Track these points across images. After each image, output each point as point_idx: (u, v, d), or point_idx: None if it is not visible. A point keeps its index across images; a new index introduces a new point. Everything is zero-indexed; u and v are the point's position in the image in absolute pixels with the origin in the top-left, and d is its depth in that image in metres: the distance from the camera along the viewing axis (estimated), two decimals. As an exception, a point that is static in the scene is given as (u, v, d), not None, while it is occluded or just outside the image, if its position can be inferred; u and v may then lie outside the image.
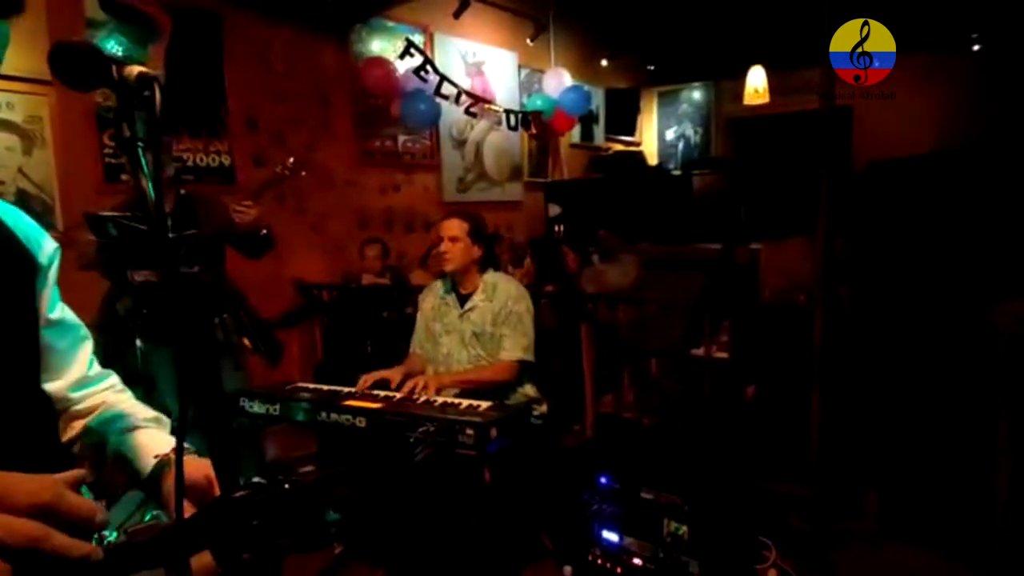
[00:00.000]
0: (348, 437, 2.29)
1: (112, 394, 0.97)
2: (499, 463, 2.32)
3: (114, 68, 0.66)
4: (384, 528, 2.55)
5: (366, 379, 2.45)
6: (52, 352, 0.87)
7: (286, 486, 0.59)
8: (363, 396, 2.34)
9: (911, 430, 2.83)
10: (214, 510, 0.57)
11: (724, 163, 6.83)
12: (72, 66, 0.66)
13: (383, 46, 4.61)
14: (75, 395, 0.91)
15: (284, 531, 0.54)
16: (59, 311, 0.89)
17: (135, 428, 0.91)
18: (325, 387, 2.50)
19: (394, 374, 2.49)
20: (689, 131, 7.34)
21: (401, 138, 4.83)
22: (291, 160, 3.05)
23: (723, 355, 2.98)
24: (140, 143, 0.66)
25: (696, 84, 7.25)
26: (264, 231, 2.78)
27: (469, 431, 1.96)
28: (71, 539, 0.54)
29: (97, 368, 0.96)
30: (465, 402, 2.20)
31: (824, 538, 2.52)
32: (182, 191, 2.68)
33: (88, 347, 0.95)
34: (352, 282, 4.03)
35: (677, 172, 6.91)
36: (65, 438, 0.90)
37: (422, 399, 2.26)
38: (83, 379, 0.93)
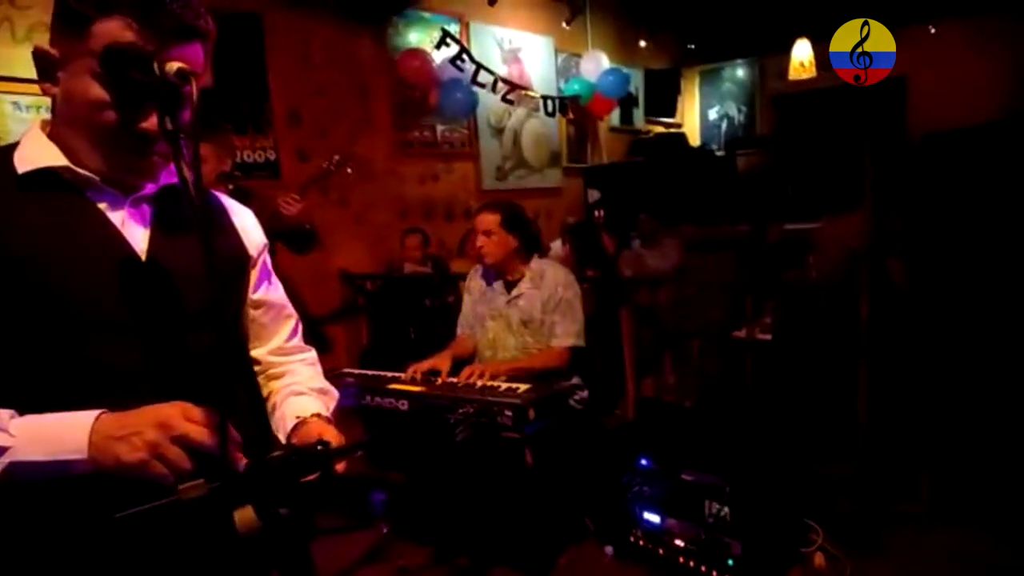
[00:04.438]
0: (392, 421, 2.37)
1: (301, 365, 1.11)
2: (541, 445, 2.36)
3: (156, 65, 0.71)
4: (430, 508, 2.62)
5: (416, 368, 2.45)
6: (256, 324, 1.05)
7: (319, 447, 0.63)
8: (406, 380, 2.40)
9: (965, 411, 2.72)
10: (256, 469, 0.62)
11: (769, 141, 6.64)
12: (121, 65, 0.72)
13: (420, 37, 4.66)
14: (273, 360, 1.08)
15: (317, 490, 0.59)
16: (263, 292, 1.05)
17: (298, 393, 1.04)
18: (370, 372, 2.58)
19: (443, 362, 2.47)
20: (732, 110, 7.14)
21: (439, 128, 4.88)
22: (336, 157, 3.15)
23: (766, 336, 2.92)
24: (182, 134, 0.71)
25: (739, 61, 7.04)
26: (308, 226, 2.87)
27: (508, 412, 2.00)
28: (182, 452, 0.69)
29: (296, 342, 1.12)
30: (504, 384, 2.23)
31: (873, 520, 2.46)
32: (230, 186, 2.79)
33: (289, 324, 1.11)
34: (395, 271, 4.12)
35: (720, 153, 6.75)
36: (262, 396, 1.07)
37: (467, 384, 2.28)
38: (280, 348, 1.09)
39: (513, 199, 5.31)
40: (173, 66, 0.71)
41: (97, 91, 0.75)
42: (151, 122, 0.77)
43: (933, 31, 5.10)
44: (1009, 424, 2.64)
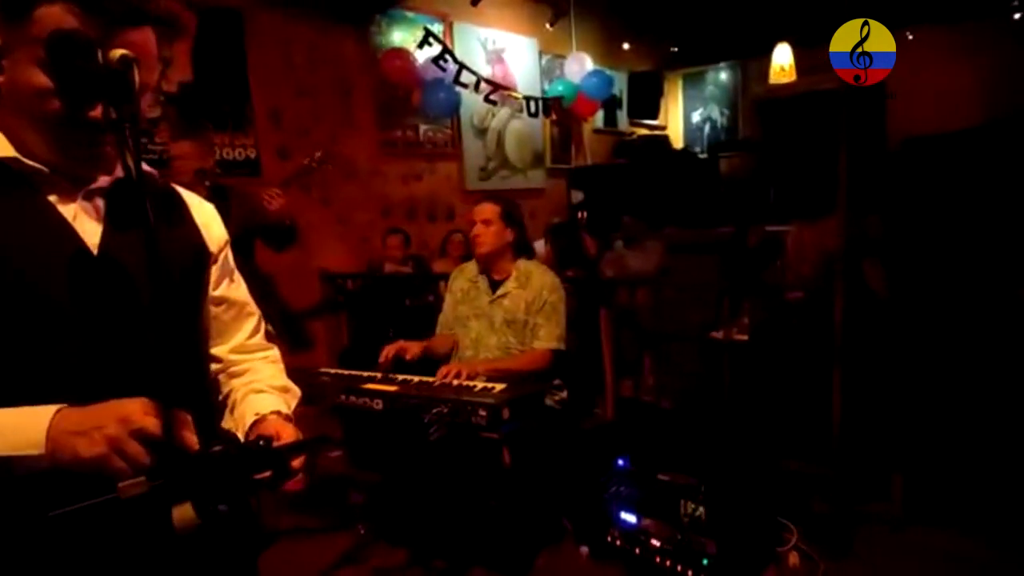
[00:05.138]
0: (367, 420, 2.35)
1: (262, 363, 1.09)
2: (518, 445, 2.35)
3: (99, 52, 0.69)
4: (407, 509, 2.61)
5: (387, 351, 2.46)
6: (218, 322, 1.03)
7: (260, 443, 0.62)
8: (383, 380, 2.38)
9: (938, 412, 2.75)
10: (195, 464, 0.61)
11: (752, 145, 6.69)
12: (67, 52, 0.71)
13: (403, 37, 4.64)
14: (234, 358, 1.06)
15: (258, 487, 0.57)
16: (224, 289, 1.03)
17: (258, 391, 1.02)
18: (345, 372, 2.56)
19: (413, 345, 2.50)
20: (715, 114, 7.19)
21: (422, 128, 4.86)
22: (318, 154, 3.14)
23: (743, 337, 2.94)
24: (126, 123, 0.69)
25: (722, 65, 7.09)
26: (289, 222, 2.85)
27: (482, 412, 1.99)
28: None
29: (258, 340, 1.10)
30: (480, 384, 2.22)
31: (847, 520, 2.48)
32: (206, 183, 2.75)
33: (251, 322, 1.09)
34: (375, 271, 4.10)
35: (703, 155, 6.79)
36: (222, 394, 1.05)
37: (443, 383, 2.27)
38: (242, 346, 1.07)
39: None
40: (116, 53, 0.70)
41: (40, 79, 0.73)
42: (99, 111, 0.75)
43: (911, 37, 5.17)
44: (982, 425, 2.67)
